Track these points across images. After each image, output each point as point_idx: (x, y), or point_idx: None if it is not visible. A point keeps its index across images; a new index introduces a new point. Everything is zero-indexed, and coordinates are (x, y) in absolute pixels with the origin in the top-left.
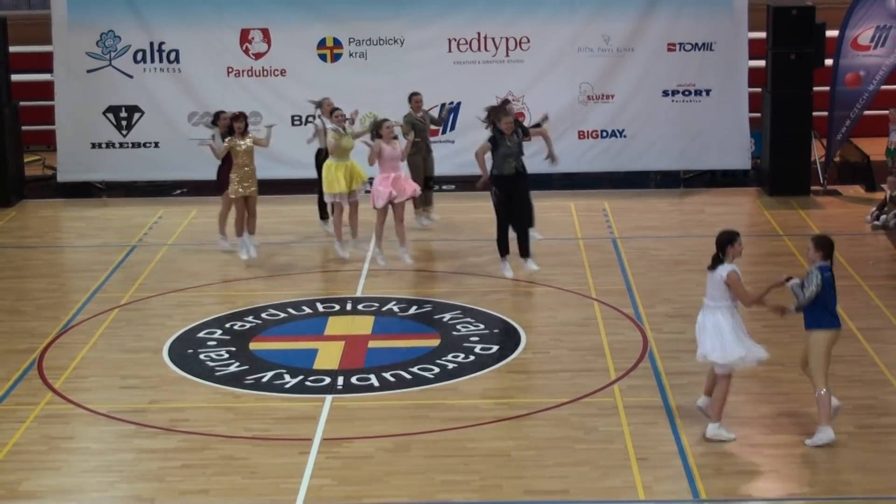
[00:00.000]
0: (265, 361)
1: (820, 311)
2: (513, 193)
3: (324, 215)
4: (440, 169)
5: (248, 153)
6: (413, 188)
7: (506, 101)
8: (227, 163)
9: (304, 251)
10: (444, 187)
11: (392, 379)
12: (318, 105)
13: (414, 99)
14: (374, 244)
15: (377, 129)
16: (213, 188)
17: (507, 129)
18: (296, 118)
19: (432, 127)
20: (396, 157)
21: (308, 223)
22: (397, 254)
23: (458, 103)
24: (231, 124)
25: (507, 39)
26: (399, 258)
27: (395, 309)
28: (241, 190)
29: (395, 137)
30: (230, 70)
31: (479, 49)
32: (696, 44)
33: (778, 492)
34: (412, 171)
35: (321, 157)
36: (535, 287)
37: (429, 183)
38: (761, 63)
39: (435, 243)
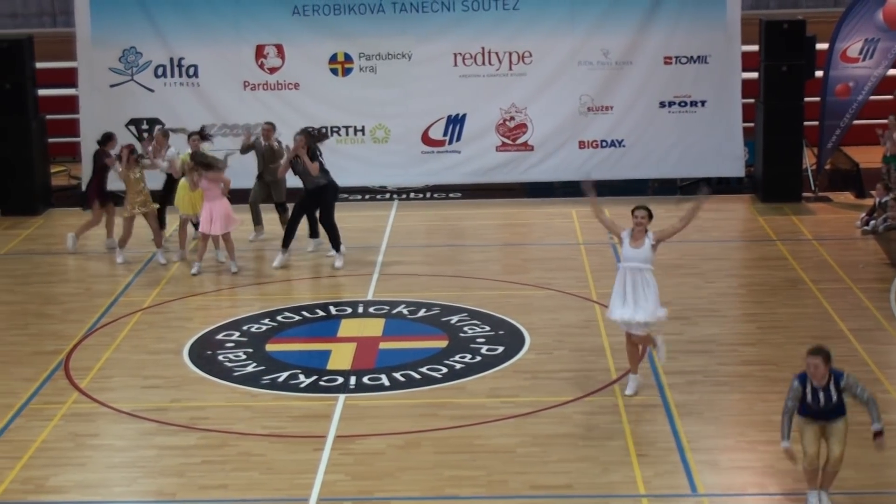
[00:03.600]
0: (281, 362)
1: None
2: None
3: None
4: (447, 178)
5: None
6: (215, 227)
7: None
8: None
9: (318, 257)
10: (451, 195)
11: (402, 379)
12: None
13: (264, 128)
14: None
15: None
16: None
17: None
18: (309, 130)
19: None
20: (205, 186)
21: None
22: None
23: (464, 115)
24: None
25: (510, 53)
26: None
27: (405, 311)
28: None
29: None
30: (246, 84)
31: (483, 63)
32: (692, 57)
33: (773, 487)
34: (255, 192)
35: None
36: (539, 290)
37: (280, 207)
38: (754, 75)
39: (441, 249)
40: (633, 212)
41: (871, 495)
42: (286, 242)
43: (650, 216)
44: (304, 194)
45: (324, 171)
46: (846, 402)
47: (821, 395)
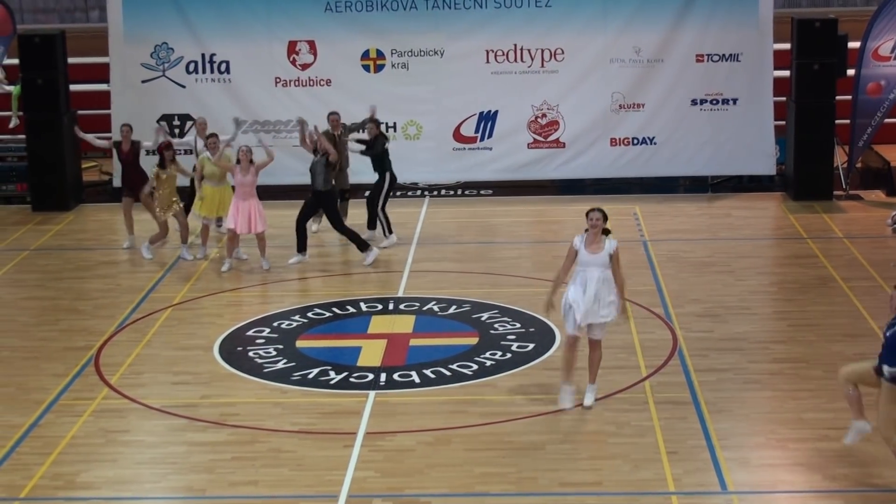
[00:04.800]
0: (311, 358)
1: None
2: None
3: None
4: (478, 175)
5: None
6: (255, 227)
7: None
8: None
9: (349, 254)
10: (482, 192)
11: (432, 375)
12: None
13: (331, 118)
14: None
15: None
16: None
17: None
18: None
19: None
20: (247, 183)
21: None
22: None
23: (496, 112)
24: (162, 152)
25: (542, 51)
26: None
27: (436, 308)
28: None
29: (252, 162)
30: (278, 80)
31: (515, 60)
32: (724, 55)
33: (803, 485)
34: None
35: None
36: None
37: (344, 195)
38: (786, 73)
39: (472, 246)
40: (587, 214)
41: None
42: (300, 247)
43: (605, 218)
44: (310, 195)
45: (380, 167)
46: None
47: (891, 327)
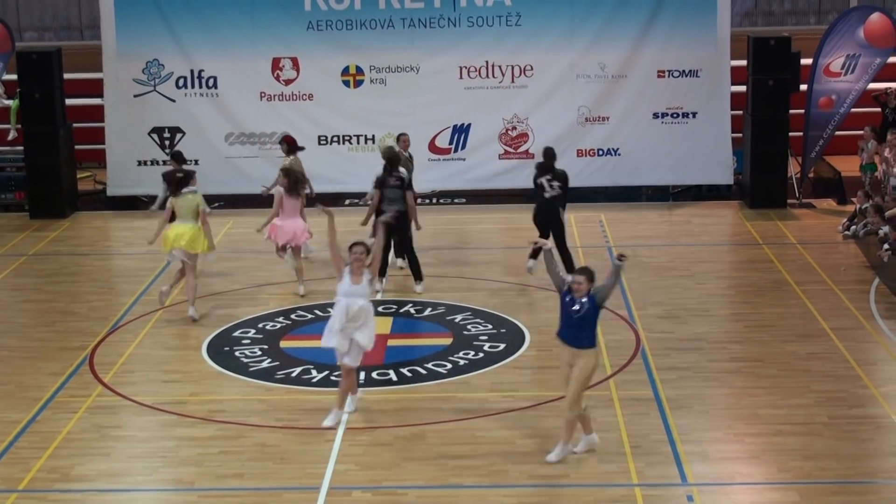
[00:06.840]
0: (294, 358)
1: (595, 330)
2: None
3: None
4: (452, 184)
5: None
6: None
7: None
8: None
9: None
10: (456, 200)
11: (409, 374)
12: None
13: (402, 139)
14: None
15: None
16: None
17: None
18: (322, 138)
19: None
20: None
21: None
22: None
23: (469, 125)
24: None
25: (512, 67)
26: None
27: (412, 311)
28: None
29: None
30: (263, 95)
31: (487, 76)
32: (684, 71)
33: (758, 477)
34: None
35: None
36: (539, 291)
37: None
38: (742, 88)
39: (447, 251)
40: (350, 248)
41: (851, 485)
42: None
43: (368, 252)
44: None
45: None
46: (597, 335)
47: (576, 304)
